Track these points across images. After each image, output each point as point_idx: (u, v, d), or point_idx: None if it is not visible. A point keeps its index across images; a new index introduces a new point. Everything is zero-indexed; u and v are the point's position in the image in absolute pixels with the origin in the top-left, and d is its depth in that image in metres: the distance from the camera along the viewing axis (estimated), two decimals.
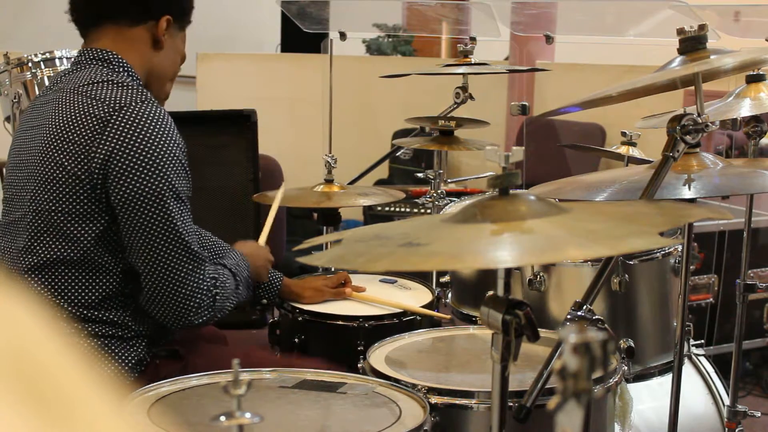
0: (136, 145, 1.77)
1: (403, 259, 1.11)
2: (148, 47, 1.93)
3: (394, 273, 2.47)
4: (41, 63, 2.95)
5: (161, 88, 1.99)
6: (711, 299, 3.38)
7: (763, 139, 2.20)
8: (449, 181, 3.05)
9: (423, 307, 2.22)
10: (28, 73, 2.94)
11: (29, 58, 2.94)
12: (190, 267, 1.82)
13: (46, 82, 2.93)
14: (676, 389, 1.89)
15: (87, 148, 1.78)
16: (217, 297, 1.86)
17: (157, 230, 1.79)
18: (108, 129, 1.78)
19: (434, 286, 2.46)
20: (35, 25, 6.26)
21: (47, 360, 0.40)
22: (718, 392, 2.30)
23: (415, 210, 4.66)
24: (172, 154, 1.80)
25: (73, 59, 1.95)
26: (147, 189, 1.77)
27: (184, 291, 1.81)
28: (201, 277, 1.83)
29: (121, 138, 1.77)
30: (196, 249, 1.83)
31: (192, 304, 1.82)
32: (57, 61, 2.96)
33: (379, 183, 5.27)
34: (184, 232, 1.82)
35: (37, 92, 2.92)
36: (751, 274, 3.05)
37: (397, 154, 3.15)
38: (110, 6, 1.92)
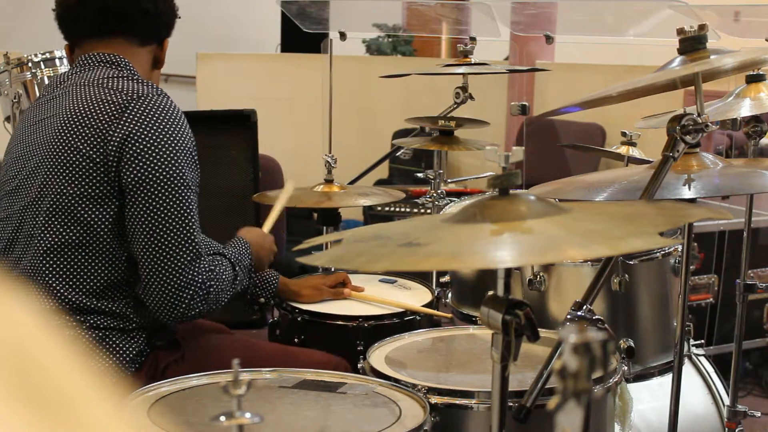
0: (153, 130, 1.81)
1: (403, 259, 1.11)
2: (149, 65, 2.02)
3: (394, 273, 2.47)
4: (41, 63, 2.95)
5: None
6: (711, 299, 3.38)
7: (763, 139, 2.20)
8: (449, 181, 3.05)
9: (422, 306, 2.22)
10: (28, 73, 2.94)
11: (29, 58, 2.94)
12: (189, 258, 1.82)
13: (46, 82, 2.93)
14: (676, 389, 1.89)
15: (104, 132, 1.82)
16: (212, 290, 1.86)
17: (165, 214, 1.81)
18: (126, 114, 1.82)
19: (434, 286, 2.46)
20: (35, 25, 6.25)
21: (46, 359, 0.40)
22: (718, 392, 2.30)
23: (415, 210, 4.66)
24: (185, 145, 1.85)
25: (77, 61, 1.96)
26: (160, 172, 1.81)
27: (179, 282, 1.81)
28: (197, 269, 1.83)
29: (139, 123, 1.82)
30: (197, 241, 1.85)
31: (185, 295, 1.82)
32: (57, 61, 2.96)
33: (379, 183, 5.27)
34: (191, 221, 1.84)
35: (37, 92, 2.92)
36: (751, 274, 3.05)
37: (397, 154, 3.15)
38: (129, 23, 1.97)
